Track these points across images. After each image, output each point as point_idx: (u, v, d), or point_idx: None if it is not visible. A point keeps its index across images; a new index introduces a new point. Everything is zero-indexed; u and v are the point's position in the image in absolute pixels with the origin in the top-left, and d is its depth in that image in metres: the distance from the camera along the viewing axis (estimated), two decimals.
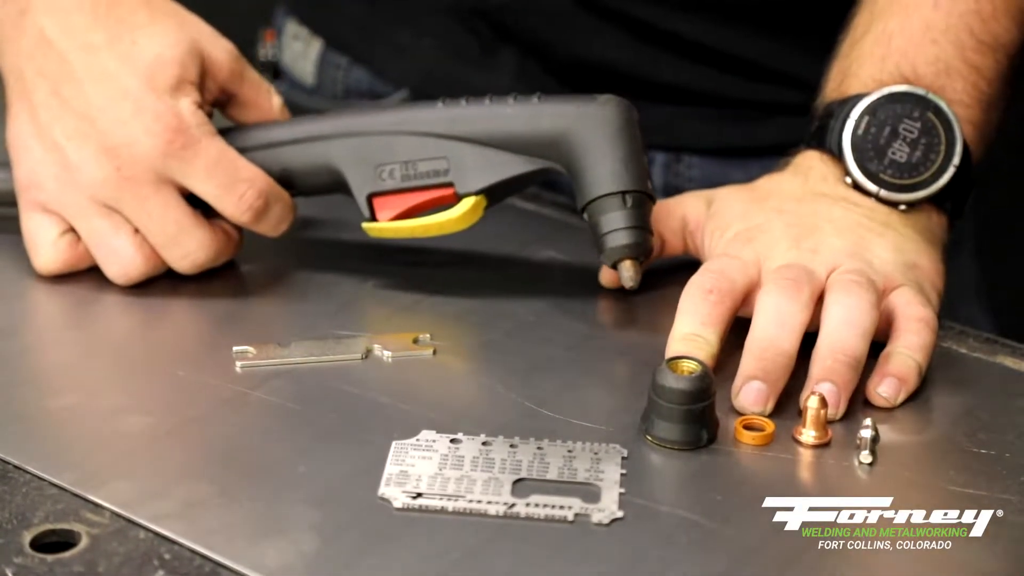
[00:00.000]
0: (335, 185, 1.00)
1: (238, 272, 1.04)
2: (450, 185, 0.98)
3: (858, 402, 0.92)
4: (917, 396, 0.93)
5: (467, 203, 0.98)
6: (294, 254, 1.06)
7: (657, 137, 1.24)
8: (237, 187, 0.98)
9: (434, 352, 0.96)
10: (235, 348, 0.95)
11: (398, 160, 0.99)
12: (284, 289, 1.03)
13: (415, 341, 0.97)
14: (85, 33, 0.98)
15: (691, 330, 0.92)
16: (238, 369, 0.94)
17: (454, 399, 0.93)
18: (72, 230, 1.00)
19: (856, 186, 1.00)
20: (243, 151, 1.00)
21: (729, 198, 1.02)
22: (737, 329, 0.94)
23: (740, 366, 0.91)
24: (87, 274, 1.02)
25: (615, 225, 0.96)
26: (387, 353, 0.96)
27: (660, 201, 1.02)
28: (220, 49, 1.01)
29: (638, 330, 0.99)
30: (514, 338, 0.98)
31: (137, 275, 1.00)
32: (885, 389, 0.91)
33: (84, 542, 0.80)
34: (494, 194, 0.99)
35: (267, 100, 1.04)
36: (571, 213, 1.11)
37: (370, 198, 0.99)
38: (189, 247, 0.99)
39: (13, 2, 1.00)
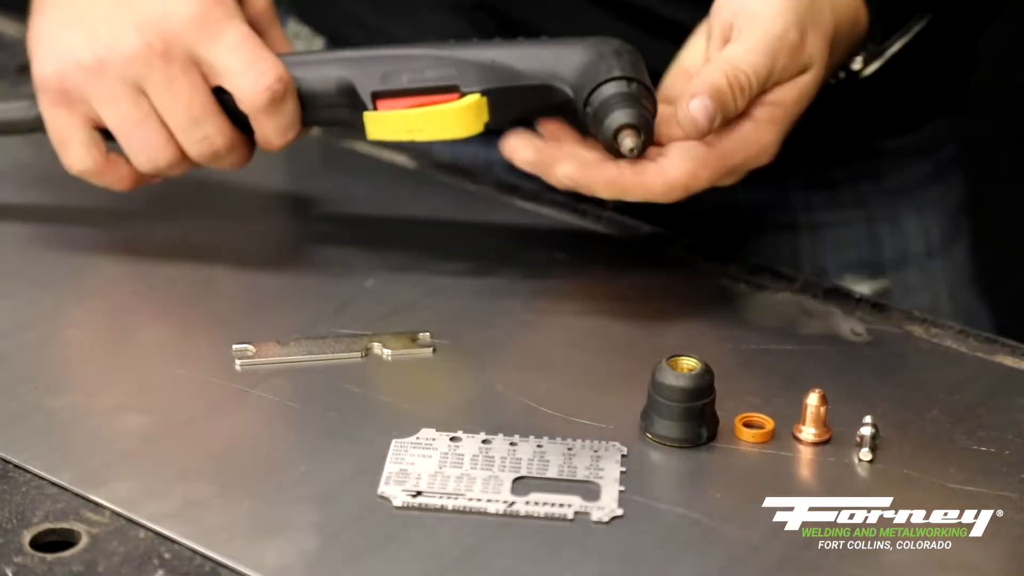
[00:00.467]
0: (341, 99, 1.00)
1: (238, 270, 1.04)
2: (455, 89, 0.98)
3: (858, 399, 0.92)
4: (918, 394, 0.93)
5: (470, 99, 0.97)
6: (294, 252, 1.06)
7: None
8: (260, 64, 0.98)
9: (434, 350, 0.96)
10: (235, 346, 0.95)
11: (406, 69, 0.99)
12: (284, 288, 1.03)
13: (414, 339, 0.97)
14: None
15: None
16: (238, 367, 0.94)
17: (454, 397, 0.93)
18: (98, 130, 1.01)
19: None
20: None
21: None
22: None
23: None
24: (85, 273, 1.02)
25: (618, 99, 0.95)
26: (387, 351, 0.96)
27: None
28: None
29: (638, 328, 0.99)
30: (514, 336, 0.98)
31: (165, 163, 1.01)
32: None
33: (84, 541, 0.80)
34: (497, 105, 0.98)
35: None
36: (571, 213, 1.11)
37: (374, 98, 0.99)
38: (209, 130, 1.00)
39: None
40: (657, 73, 1.22)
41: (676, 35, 1.20)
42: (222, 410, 0.91)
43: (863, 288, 1.21)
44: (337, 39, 1.32)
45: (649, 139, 0.95)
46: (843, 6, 1.00)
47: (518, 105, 0.99)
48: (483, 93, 0.97)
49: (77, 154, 1.01)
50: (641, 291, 1.00)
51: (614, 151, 0.94)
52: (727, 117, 0.95)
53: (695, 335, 0.99)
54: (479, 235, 1.04)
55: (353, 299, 1.02)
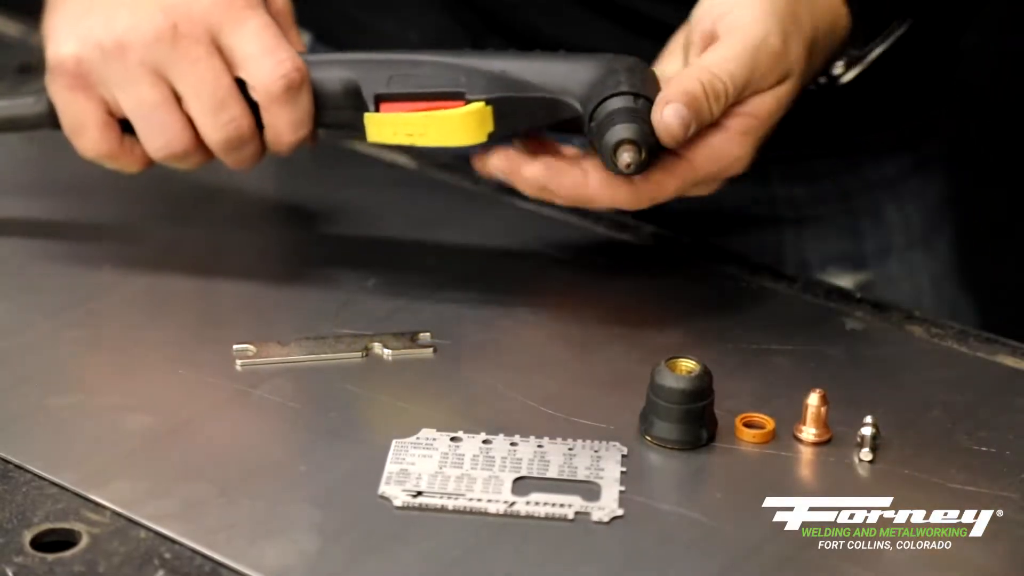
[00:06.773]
0: (346, 100, 0.99)
1: (238, 270, 1.04)
2: (460, 96, 0.97)
3: (859, 399, 0.92)
4: (918, 395, 0.93)
5: (474, 106, 0.96)
6: (294, 253, 1.07)
7: None
8: (279, 52, 0.98)
9: (434, 350, 0.96)
10: (235, 347, 0.95)
11: (414, 74, 0.98)
12: (284, 288, 1.03)
13: (415, 339, 0.97)
14: None
15: None
16: (238, 368, 0.94)
17: (454, 397, 0.93)
18: (112, 114, 1.00)
19: None
20: None
21: None
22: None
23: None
24: (86, 274, 1.02)
25: (620, 115, 0.93)
26: (387, 352, 0.96)
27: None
28: None
29: (638, 328, 0.99)
30: (514, 336, 0.98)
31: (180, 150, 0.99)
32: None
33: (84, 541, 0.80)
34: (503, 115, 0.97)
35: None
36: (571, 213, 1.11)
37: (377, 100, 0.98)
38: (235, 112, 0.98)
39: None
40: None
41: (662, 35, 1.20)
42: (223, 410, 0.91)
43: (846, 280, 1.21)
44: (325, 35, 1.32)
45: (651, 158, 0.93)
46: (822, 11, 0.99)
47: (524, 117, 0.97)
48: (488, 102, 0.96)
49: (92, 139, 1.00)
50: (641, 291, 1.00)
51: (613, 168, 0.93)
52: (702, 125, 0.93)
53: (695, 335, 0.99)
54: (479, 235, 1.04)
55: (353, 299, 1.02)
